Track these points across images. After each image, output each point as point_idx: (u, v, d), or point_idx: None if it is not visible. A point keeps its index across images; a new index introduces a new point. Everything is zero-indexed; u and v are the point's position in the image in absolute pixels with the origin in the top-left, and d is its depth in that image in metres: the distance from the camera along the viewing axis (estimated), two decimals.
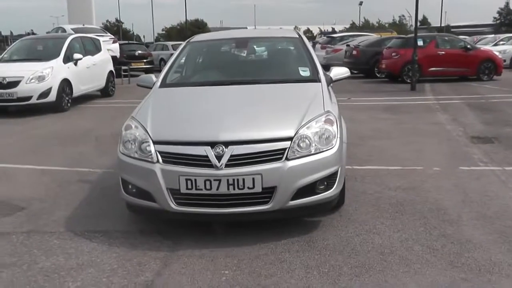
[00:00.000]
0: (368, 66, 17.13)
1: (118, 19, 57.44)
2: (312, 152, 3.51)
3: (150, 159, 3.51)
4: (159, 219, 3.85)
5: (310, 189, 3.51)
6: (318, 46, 21.67)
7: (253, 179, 3.35)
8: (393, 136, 7.32)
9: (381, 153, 6.28)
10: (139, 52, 19.69)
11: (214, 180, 3.34)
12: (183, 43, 5.35)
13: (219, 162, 3.35)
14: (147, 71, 20.20)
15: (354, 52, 17.72)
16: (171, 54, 21.52)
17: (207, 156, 3.37)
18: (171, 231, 3.78)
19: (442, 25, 58.67)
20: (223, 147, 3.37)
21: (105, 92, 12.65)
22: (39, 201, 4.68)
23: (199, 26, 57.95)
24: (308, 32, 70.63)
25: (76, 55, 10.89)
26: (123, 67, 15.80)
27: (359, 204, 4.34)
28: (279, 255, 3.35)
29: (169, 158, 3.47)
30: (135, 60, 18.76)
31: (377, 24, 75.27)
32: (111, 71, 12.88)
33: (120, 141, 3.81)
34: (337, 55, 19.40)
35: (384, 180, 5.04)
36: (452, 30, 58.16)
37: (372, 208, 4.23)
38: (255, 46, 5.21)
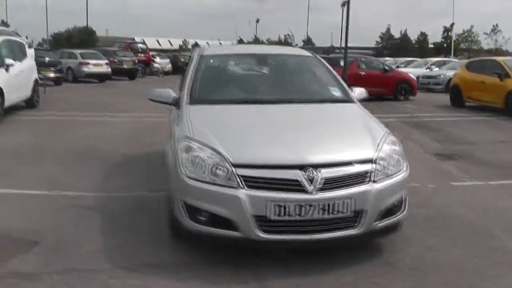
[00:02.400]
0: None
1: (5, 21, 51.93)
2: (389, 174, 3.51)
3: (231, 184, 3.24)
4: (237, 249, 3.52)
5: (389, 211, 3.50)
6: None
7: (345, 203, 3.25)
8: None
9: None
10: (48, 59, 17.98)
11: (307, 205, 3.18)
12: (195, 57, 4.95)
13: (311, 186, 3.19)
14: (57, 80, 18.65)
15: None
16: (80, 63, 19.76)
17: (298, 180, 3.20)
18: (237, 260, 3.50)
19: (327, 45, 62.26)
20: (314, 170, 3.23)
21: (31, 102, 11.39)
22: (47, 232, 4.04)
23: (88, 34, 54.99)
24: (197, 45, 70.38)
25: (8, 60, 9.68)
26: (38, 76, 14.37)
27: None
28: (373, 279, 3.28)
29: (254, 182, 3.22)
30: (44, 68, 17.04)
31: (267, 42, 77.45)
32: (36, 80, 11.63)
33: (180, 164, 3.44)
34: None
35: None
36: (336, 51, 62.03)
37: (409, 225, 4.28)
38: (276, 63, 5.08)
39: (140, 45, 31.23)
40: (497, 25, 55.38)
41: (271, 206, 3.17)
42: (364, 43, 61.23)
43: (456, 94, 14.22)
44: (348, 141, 3.63)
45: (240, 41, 71.33)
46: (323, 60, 5.13)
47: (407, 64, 24.40)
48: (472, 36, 57.11)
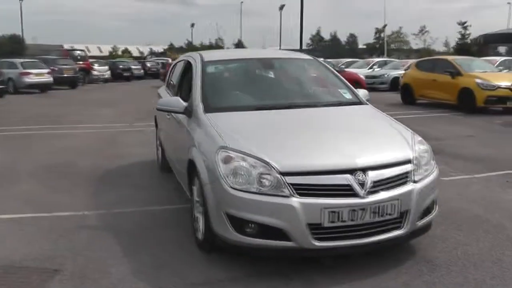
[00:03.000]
0: None
1: None
2: (425, 173, 3.57)
3: (281, 193, 3.15)
4: (288, 259, 3.45)
5: (428, 209, 3.57)
6: None
7: (393, 204, 3.27)
8: None
9: None
10: None
11: (360, 209, 3.17)
12: (197, 63, 4.70)
13: (362, 190, 3.18)
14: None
15: None
16: (21, 73, 18.63)
17: (349, 185, 3.17)
18: (282, 269, 3.42)
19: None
20: (363, 173, 3.22)
21: None
22: (63, 258, 3.74)
23: (17, 42, 52.41)
24: (126, 52, 68.88)
25: None
26: None
27: None
28: (422, 278, 3.32)
29: (305, 190, 3.16)
30: None
31: (200, 46, 76.54)
32: None
33: (220, 175, 3.31)
34: None
35: None
36: None
37: None
38: (280, 67, 5.02)
39: (78, 52, 29.98)
40: (424, 26, 58.20)
41: (326, 212, 3.12)
42: (295, 45, 62.37)
43: (407, 93, 14.80)
44: (386, 143, 3.67)
45: (171, 46, 70.17)
46: (323, 62, 5.14)
47: (348, 65, 25.11)
48: (401, 36, 59.86)
